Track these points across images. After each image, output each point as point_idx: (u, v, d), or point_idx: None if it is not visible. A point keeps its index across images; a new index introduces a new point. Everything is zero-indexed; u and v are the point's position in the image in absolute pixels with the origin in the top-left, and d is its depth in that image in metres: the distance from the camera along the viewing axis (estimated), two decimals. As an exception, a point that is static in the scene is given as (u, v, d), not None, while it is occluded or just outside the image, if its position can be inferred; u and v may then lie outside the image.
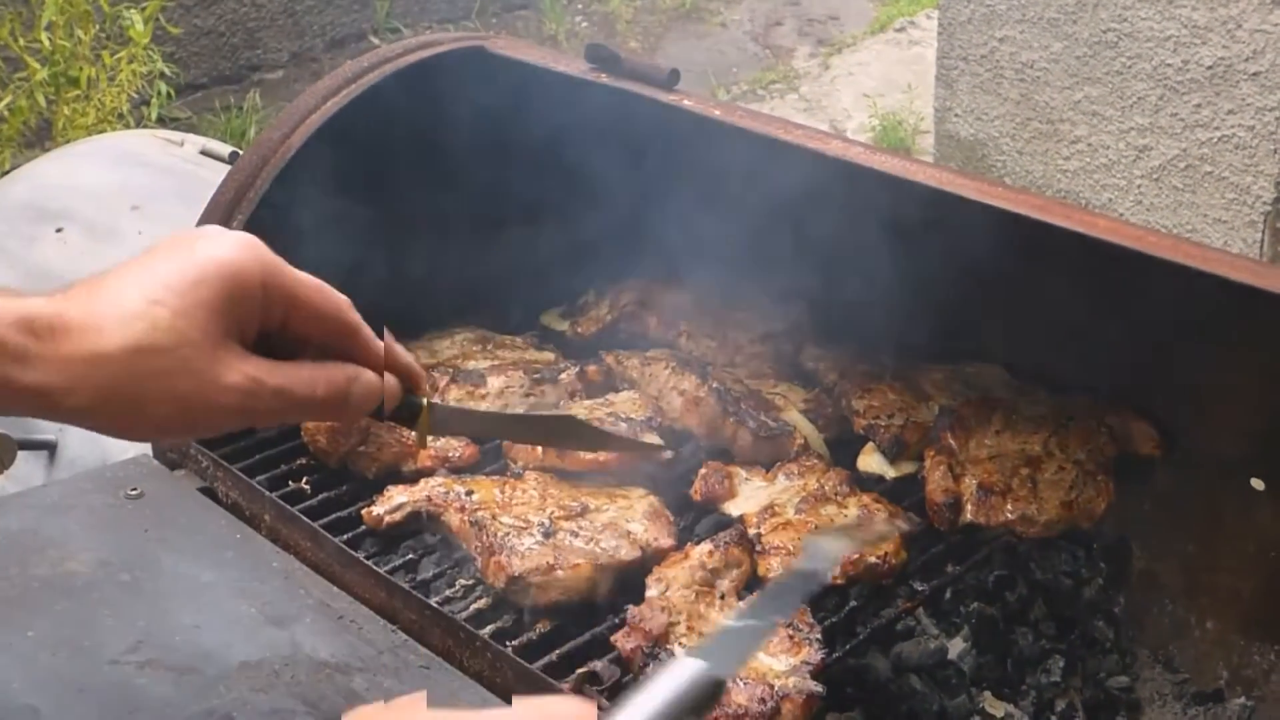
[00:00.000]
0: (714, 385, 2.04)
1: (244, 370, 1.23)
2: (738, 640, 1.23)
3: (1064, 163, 4.52)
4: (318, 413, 1.35)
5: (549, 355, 2.22)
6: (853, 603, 1.78)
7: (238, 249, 1.24)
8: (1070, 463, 1.93)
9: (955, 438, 1.97)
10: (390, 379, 1.33)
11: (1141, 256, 1.59)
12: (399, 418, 1.36)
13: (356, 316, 1.31)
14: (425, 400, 1.36)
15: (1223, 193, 4.20)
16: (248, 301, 1.24)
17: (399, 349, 1.35)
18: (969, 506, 1.89)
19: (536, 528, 1.79)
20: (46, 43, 4.70)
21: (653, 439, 1.98)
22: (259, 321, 1.26)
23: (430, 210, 2.24)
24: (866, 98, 6.13)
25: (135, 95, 5.01)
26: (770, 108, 6.23)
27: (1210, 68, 4.07)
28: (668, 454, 1.97)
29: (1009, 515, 1.87)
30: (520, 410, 2.02)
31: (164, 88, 5.11)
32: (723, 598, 1.72)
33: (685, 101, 1.97)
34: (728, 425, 2.01)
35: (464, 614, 1.74)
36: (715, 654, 1.11)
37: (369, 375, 1.31)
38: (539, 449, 1.94)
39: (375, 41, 6.51)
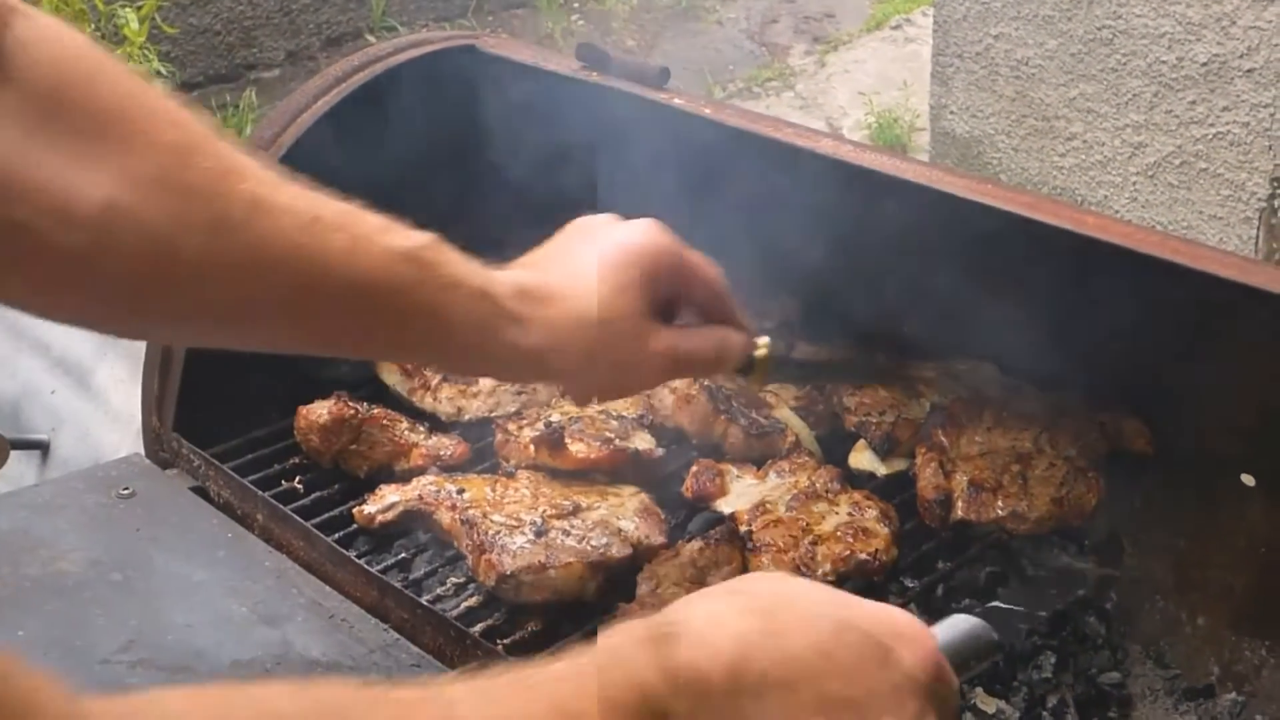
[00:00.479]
0: (705, 383, 2.04)
1: (664, 339, 1.44)
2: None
3: (1059, 160, 4.53)
4: (702, 370, 1.65)
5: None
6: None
7: (654, 234, 1.46)
8: (1061, 459, 1.93)
9: (946, 435, 1.98)
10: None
11: (1130, 253, 1.59)
12: (739, 369, 1.59)
13: (727, 288, 1.53)
14: (760, 353, 1.59)
15: (1218, 189, 4.20)
16: (662, 278, 1.44)
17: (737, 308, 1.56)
18: (959, 503, 1.89)
19: (528, 526, 1.79)
20: (42, 42, 4.69)
21: (644, 438, 1.99)
22: (667, 293, 1.46)
23: (420, 208, 2.24)
24: (862, 95, 6.13)
25: (131, 94, 5.00)
26: (766, 105, 6.23)
27: (1205, 64, 4.07)
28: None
29: (999, 512, 1.87)
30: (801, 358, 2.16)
31: (160, 86, 5.11)
32: (713, 595, 1.72)
33: (675, 100, 1.98)
34: (719, 423, 2.01)
35: (455, 612, 1.74)
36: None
37: (737, 335, 1.53)
38: (530, 448, 1.94)
39: (371, 40, 6.51)
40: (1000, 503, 1.88)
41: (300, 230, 1.25)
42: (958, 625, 1.14)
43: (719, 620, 0.96)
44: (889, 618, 1.03)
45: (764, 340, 1.59)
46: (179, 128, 1.23)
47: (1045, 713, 1.90)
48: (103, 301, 1.24)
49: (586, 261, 1.43)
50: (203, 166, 1.22)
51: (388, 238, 1.31)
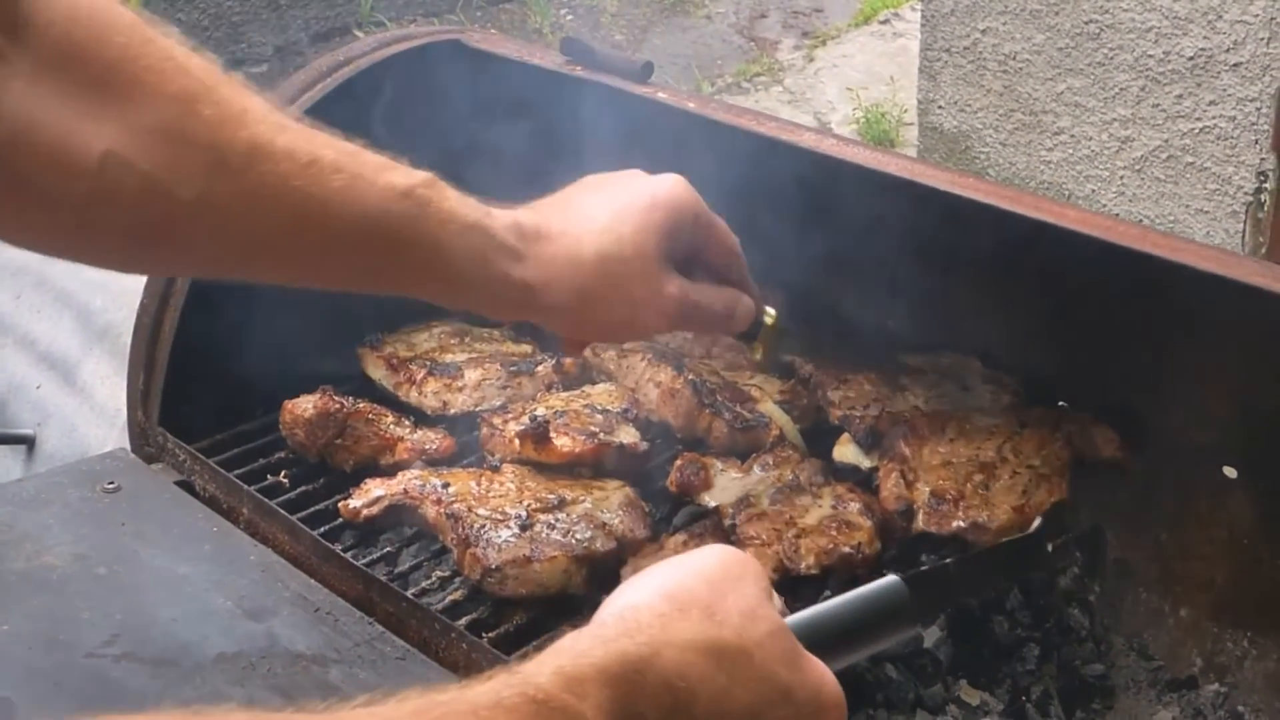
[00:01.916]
0: (690, 377, 2.04)
1: (678, 284, 1.50)
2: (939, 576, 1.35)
3: (1047, 154, 4.53)
4: (711, 325, 1.63)
5: (526, 348, 2.23)
6: (828, 593, 1.78)
7: (679, 186, 1.53)
8: (1024, 467, 1.91)
9: (909, 445, 1.96)
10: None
11: (1111, 247, 1.60)
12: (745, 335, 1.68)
13: (742, 254, 1.60)
14: (768, 320, 1.67)
15: (1204, 183, 4.21)
16: (683, 229, 1.51)
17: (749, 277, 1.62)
18: (920, 515, 1.87)
19: (513, 520, 1.80)
20: (29, 38, 4.69)
21: (629, 431, 1.99)
22: (685, 247, 1.53)
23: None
24: (850, 90, 6.13)
25: (118, 90, 4.99)
26: (755, 100, 6.23)
27: (1191, 59, 4.08)
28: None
29: (960, 524, 1.84)
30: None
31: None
32: (697, 588, 1.72)
33: (659, 94, 1.98)
34: (703, 417, 2.01)
35: (440, 605, 1.74)
36: (917, 579, 1.22)
37: (748, 299, 1.60)
38: (515, 442, 1.94)
39: (359, 35, 6.50)
40: (961, 514, 1.86)
41: (298, 173, 1.30)
42: (863, 590, 1.19)
43: (686, 672, 0.98)
44: (819, 694, 1.07)
45: (772, 311, 1.66)
46: (186, 76, 1.27)
47: (1029, 705, 1.91)
48: (105, 243, 1.31)
49: (593, 206, 1.48)
50: (204, 115, 1.26)
51: (386, 176, 1.36)
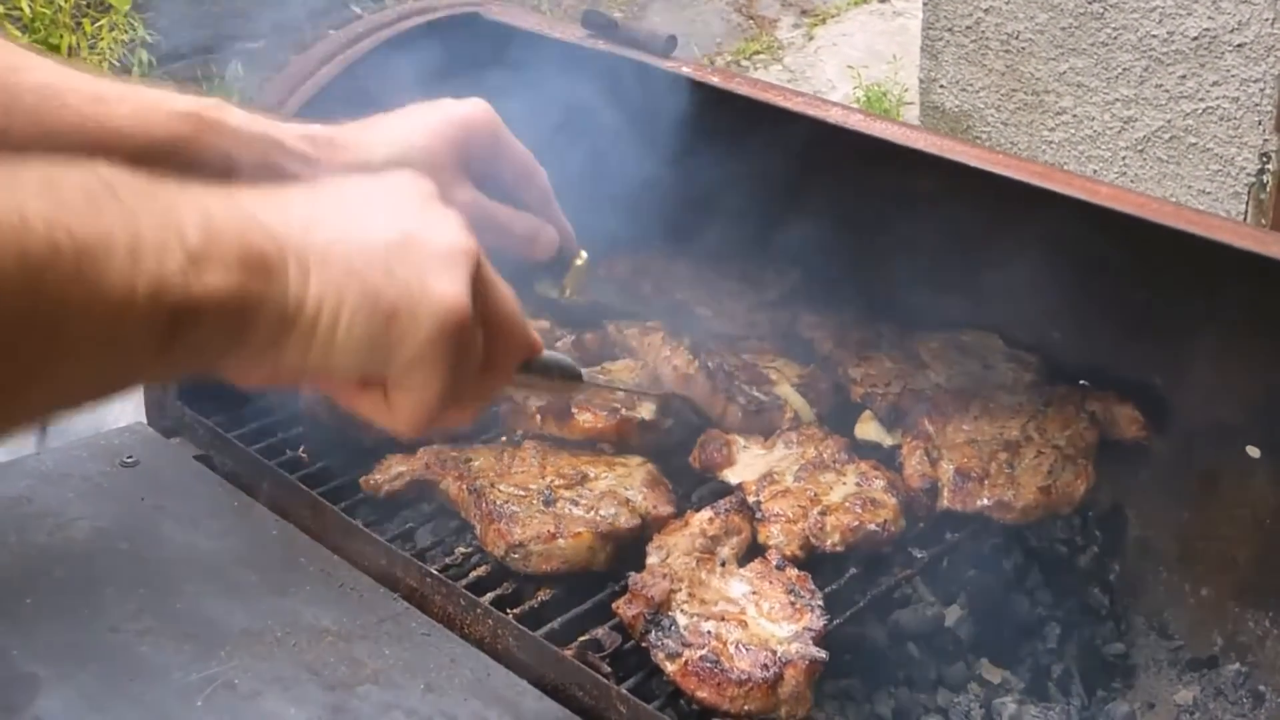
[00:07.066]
0: (706, 361, 2.01)
1: (471, 193, 1.52)
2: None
3: (1049, 134, 4.52)
4: (510, 246, 1.59)
5: (544, 324, 2.21)
6: (852, 570, 1.78)
7: (477, 107, 1.54)
8: (1049, 447, 1.91)
9: (933, 422, 1.95)
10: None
11: (1143, 223, 1.59)
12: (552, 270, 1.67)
13: (548, 184, 1.61)
14: (578, 262, 1.66)
15: (1207, 164, 4.21)
16: (479, 146, 1.53)
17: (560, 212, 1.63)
18: (945, 492, 1.87)
19: (536, 495, 1.79)
20: (26, 9, 4.67)
21: (650, 407, 1.98)
22: (484, 165, 1.54)
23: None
24: (850, 69, 6.12)
25: (117, 63, 4.97)
26: (754, 79, 6.22)
27: (1195, 39, 4.07)
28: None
29: (985, 501, 1.85)
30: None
31: (145, 55, 5.07)
32: (723, 564, 1.72)
33: (683, 68, 1.97)
34: (718, 400, 1.99)
35: (464, 582, 1.73)
36: None
37: (551, 230, 1.60)
38: (537, 418, 1.93)
39: (357, 11, 6.47)
40: (986, 492, 1.86)
41: (87, 105, 1.36)
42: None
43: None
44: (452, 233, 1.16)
45: (584, 253, 1.66)
46: None
47: (1050, 683, 1.91)
48: None
49: (389, 122, 1.51)
50: None
51: (171, 102, 1.40)
